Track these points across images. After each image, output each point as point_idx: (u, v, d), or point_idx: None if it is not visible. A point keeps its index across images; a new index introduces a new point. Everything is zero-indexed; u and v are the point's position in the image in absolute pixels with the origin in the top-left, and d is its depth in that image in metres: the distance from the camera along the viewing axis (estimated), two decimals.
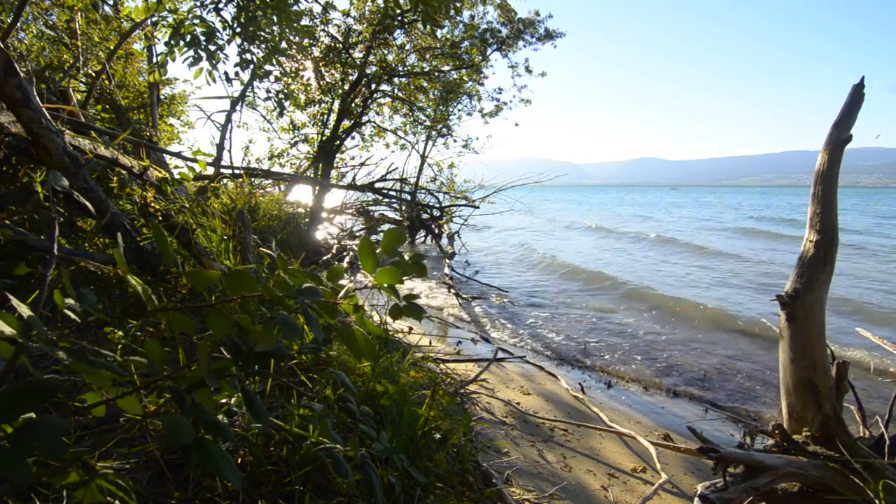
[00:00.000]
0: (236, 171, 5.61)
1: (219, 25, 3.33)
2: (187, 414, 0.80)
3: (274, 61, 3.64)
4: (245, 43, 3.45)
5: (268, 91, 7.72)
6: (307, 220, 7.17)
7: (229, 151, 7.38)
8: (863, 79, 2.31)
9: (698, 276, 9.84)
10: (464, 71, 10.37)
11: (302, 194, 8.00)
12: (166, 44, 3.27)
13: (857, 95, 2.27)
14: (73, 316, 0.83)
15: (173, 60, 3.38)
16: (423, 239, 11.63)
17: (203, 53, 3.25)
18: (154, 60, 6.14)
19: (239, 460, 1.25)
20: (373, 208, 10.70)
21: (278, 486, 1.22)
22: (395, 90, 9.85)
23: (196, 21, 3.26)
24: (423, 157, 11.98)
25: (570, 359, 4.75)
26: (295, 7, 3.36)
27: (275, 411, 1.50)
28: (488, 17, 10.02)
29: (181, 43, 3.22)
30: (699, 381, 4.39)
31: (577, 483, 2.27)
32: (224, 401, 1.17)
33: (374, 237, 9.46)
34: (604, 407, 3.37)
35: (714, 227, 22.03)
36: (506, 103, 11.57)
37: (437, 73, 9.86)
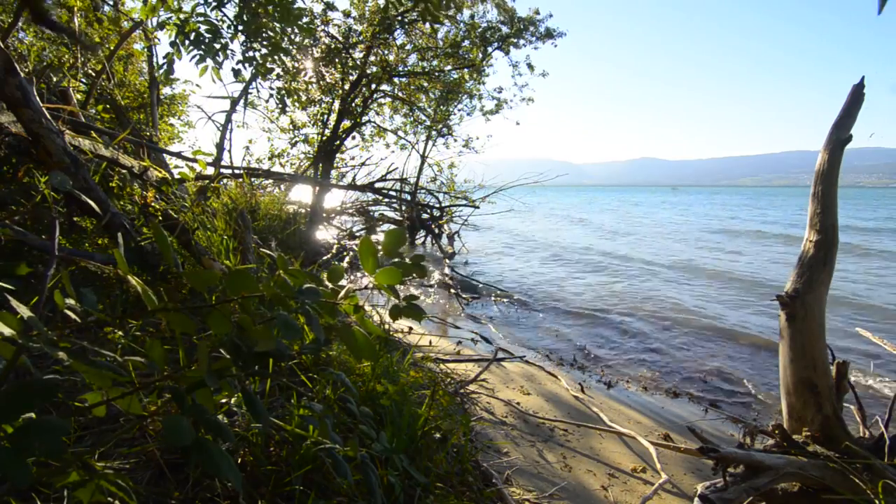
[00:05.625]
0: (236, 171, 5.61)
1: (220, 21, 3.33)
2: (187, 414, 0.80)
3: (276, 59, 3.63)
4: (248, 40, 3.45)
5: (270, 88, 7.73)
6: (307, 220, 7.17)
7: (229, 151, 7.38)
8: (863, 79, 2.31)
9: (699, 275, 9.85)
10: (465, 71, 10.37)
11: (302, 194, 8.01)
12: (172, 44, 3.27)
13: (856, 95, 2.27)
14: (73, 316, 0.83)
15: (179, 59, 3.38)
16: (422, 239, 11.63)
17: (209, 51, 3.25)
18: (154, 61, 6.15)
19: (239, 460, 1.25)
20: (373, 208, 10.69)
21: (278, 486, 1.22)
22: (396, 90, 9.85)
23: (200, 19, 3.26)
24: (423, 157, 11.98)
25: (571, 359, 4.75)
26: (296, 5, 3.36)
27: (275, 411, 1.50)
28: (489, 17, 10.03)
29: (186, 42, 3.22)
30: (699, 381, 4.39)
31: (577, 483, 2.27)
32: (224, 401, 1.17)
33: (374, 237, 9.44)
34: (604, 407, 3.37)
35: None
36: (507, 101, 11.58)
37: (437, 73, 9.86)
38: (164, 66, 3.36)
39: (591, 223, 23.66)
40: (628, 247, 14.71)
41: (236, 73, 3.53)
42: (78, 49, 5.09)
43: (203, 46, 3.20)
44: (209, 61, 3.29)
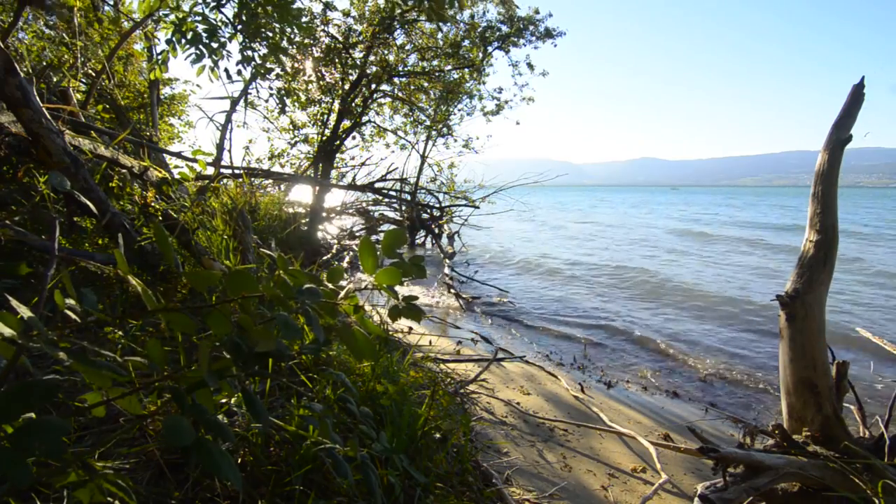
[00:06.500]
0: (236, 171, 5.61)
1: (220, 23, 3.34)
2: (187, 414, 0.80)
3: (275, 59, 3.64)
4: (247, 40, 3.46)
5: (270, 88, 7.74)
6: (307, 220, 7.17)
7: (229, 151, 7.38)
8: (863, 79, 2.31)
9: (699, 274, 9.85)
10: (465, 71, 10.37)
11: (302, 194, 8.01)
12: (168, 41, 3.28)
13: (856, 96, 2.28)
14: (73, 316, 0.83)
15: (175, 57, 3.40)
16: (422, 239, 11.62)
17: (205, 50, 3.26)
18: (154, 59, 6.15)
19: (239, 460, 1.25)
20: (373, 208, 10.69)
21: (278, 486, 1.22)
22: (396, 90, 9.85)
23: (198, 18, 3.26)
24: (423, 157, 11.98)
25: (571, 359, 4.74)
26: (296, 4, 3.37)
27: (275, 411, 1.50)
28: (488, 16, 10.03)
29: (183, 41, 3.23)
30: (699, 381, 4.39)
31: (577, 483, 2.27)
32: (224, 401, 1.17)
33: (374, 237, 9.47)
34: (604, 407, 3.37)
35: None
36: (507, 101, 11.58)
37: (437, 73, 9.86)
38: (158, 61, 3.38)
39: (571, 227, 23.73)
40: (619, 253, 14.69)
41: (229, 74, 3.54)
42: (78, 49, 5.08)
43: (200, 45, 3.21)
44: (206, 60, 3.30)
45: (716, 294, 7.99)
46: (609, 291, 8.22)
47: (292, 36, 3.59)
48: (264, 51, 3.60)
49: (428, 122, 11.31)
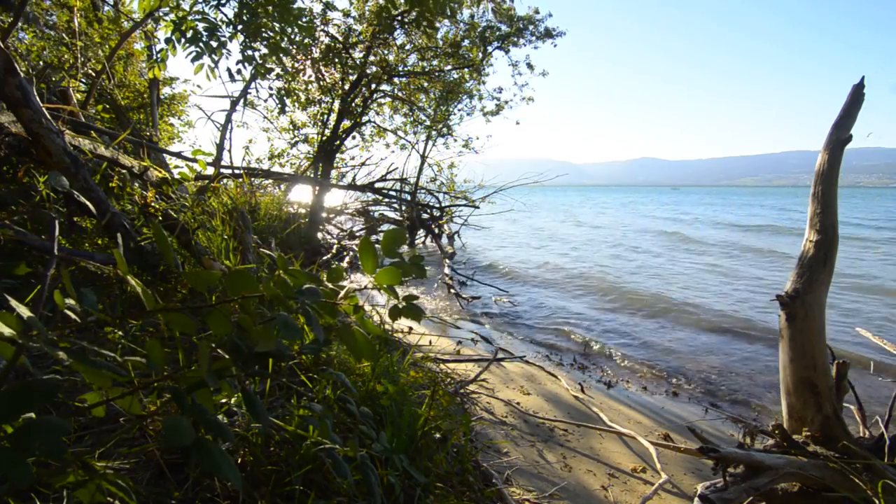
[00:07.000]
0: (236, 171, 5.61)
1: (221, 22, 3.34)
2: (187, 414, 0.80)
3: (276, 59, 3.64)
4: (247, 40, 3.46)
5: (270, 88, 7.75)
6: (307, 220, 7.17)
7: (229, 151, 7.37)
8: (863, 79, 2.31)
9: (699, 275, 9.86)
10: (465, 70, 10.37)
11: (302, 194, 8.00)
12: (167, 40, 3.29)
13: (856, 96, 2.28)
14: (73, 316, 0.83)
15: (174, 55, 3.40)
16: (422, 239, 11.62)
17: (205, 49, 3.26)
18: (154, 58, 6.16)
19: (239, 460, 1.25)
20: (373, 208, 10.69)
21: (278, 486, 1.22)
22: (396, 90, 9.85)
23: (198, 17, 3.27)
24: (423, 157, 11.98)
25: (571, 359, 4.74)
26: (296, 4, 3.37)
27: (275, 411, 1.50)
28: (488, 16, 10.03)
29: (182, 39, 3.23)
30: (699, 381, 4.39)
31: (577, 483, 2.27)
32: (224, 401, 1.17)
33: (374, 237, 9.47)
34: (604, 407, 3.37)
35: None
36: (507, 102, 11.58)
37: (437, 73, 9.85)
38: (157, 59, 3.38)
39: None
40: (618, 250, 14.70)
41: (231, 74, 3.55)
42: (78, 49, 5.08)
43: (200, 44, 3.22)
44: (205, 59, 3.30)
45: (712, 296, 7.99)
46: (606, 294, 8.22)
47: (293, 36, 3.59)
48: (264, 50, 3.60)
49: (428, 122, 11.31)
